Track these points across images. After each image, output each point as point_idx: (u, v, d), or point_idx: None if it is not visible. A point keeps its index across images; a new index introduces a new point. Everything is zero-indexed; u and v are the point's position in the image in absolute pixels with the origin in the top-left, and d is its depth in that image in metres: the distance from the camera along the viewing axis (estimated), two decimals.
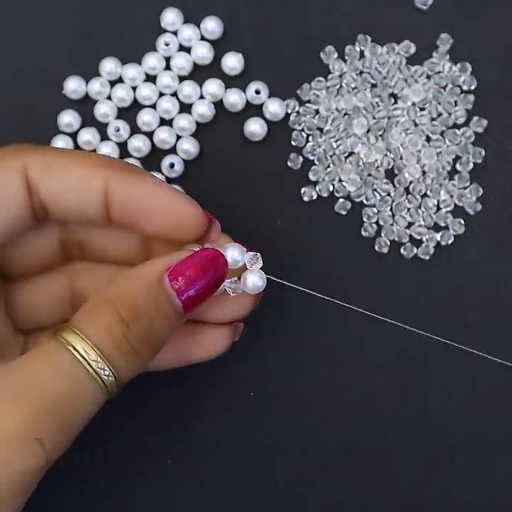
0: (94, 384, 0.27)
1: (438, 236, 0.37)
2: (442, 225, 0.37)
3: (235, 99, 0.37)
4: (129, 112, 0.37)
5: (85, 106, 0.37)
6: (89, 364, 0.27)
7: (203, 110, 0.37)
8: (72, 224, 0.32)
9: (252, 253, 0.31)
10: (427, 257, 0.37)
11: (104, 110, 0.37)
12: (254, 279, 0.31)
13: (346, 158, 0.37)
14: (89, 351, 0.27)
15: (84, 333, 0.27)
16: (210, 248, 0.30)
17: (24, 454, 0.26)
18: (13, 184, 0.30)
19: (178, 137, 0.37)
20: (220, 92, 0.37)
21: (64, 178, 0.30)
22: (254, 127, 0.37)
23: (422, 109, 0.37)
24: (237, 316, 0.32)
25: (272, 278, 0.32)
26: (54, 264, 0.33)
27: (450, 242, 0.37)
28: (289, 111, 0.37)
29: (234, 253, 0.30)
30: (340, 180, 0.37)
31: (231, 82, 0.37)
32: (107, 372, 0.27)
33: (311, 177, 0.37)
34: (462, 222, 0.37)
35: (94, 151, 0.37)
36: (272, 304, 0.36)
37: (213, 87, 0.37)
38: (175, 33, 0.37)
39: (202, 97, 0.37)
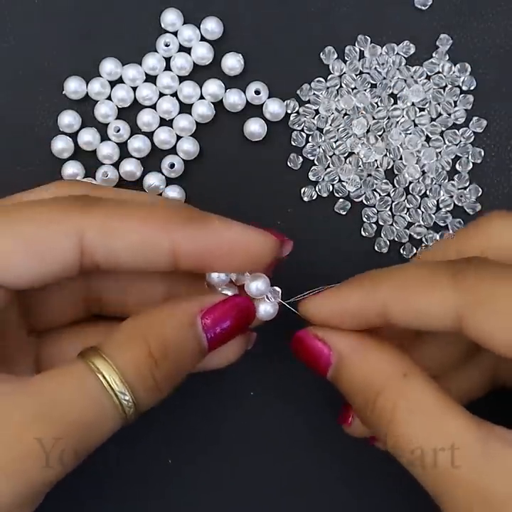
0: (116, 412, 0.27)
1: (438, 236, 0.37)
2: (442, 225, 0.37)
3: (235, 99, 0.37)
4: (129, 113, 0.37)
5: (85, 106, 0.37)
6: (116, 394, 0.27)
7: (203, 110, 0.37)
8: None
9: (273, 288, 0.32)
10: None
11: (104, 110, 0.37)
12: (266, 308, 0.32)
13: (346, 158, 0.37)
14: (117, 382, 0.27)
15: (114, 363, 0.27)
16: (243, 297, 0.31)
17: (38, 469, 0.26)
18: (66, 249, 0.29)
19: (178, 137, 0.37)
20: (220, 92, 0.37)
21: (125, 243, 0.29)
22: (254, 127, 0.37)
23: (421, 110, 0.37)
24: (229, 361, 0.33)
25: (285, 304, 0.32)
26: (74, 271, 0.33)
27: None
28: (289, 111, 0.37)
29: (258, 284, 0.31)
30: (340, 180, 0.37)
31: (231, 82, 0.37)
32: (129, 404, 0.28)
33: (311, 177, 0.37)
34: (462, 222, 0.37)
35: (94, 150, 0.37)
36: None
37: (213, 87, 0.37)
38: (175, 33, 0.37)
39: (202, 97, 0.37)
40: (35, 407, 0.26)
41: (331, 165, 0.37)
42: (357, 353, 0.30)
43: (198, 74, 0.37)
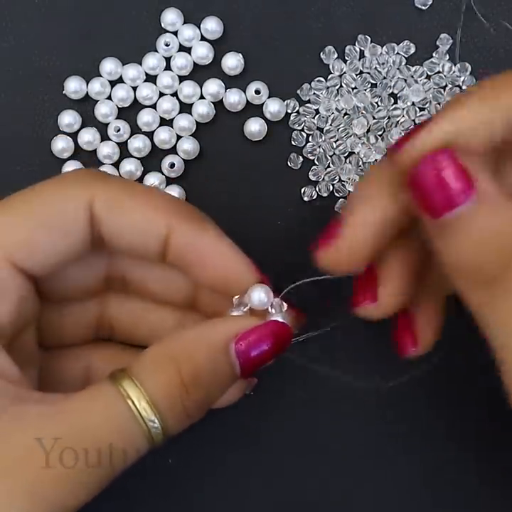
0: (144, 438, 0.27)
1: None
2: None
3: (235, 99, 0.37)
4: (129, 112, 0.37)
5: (85, 106, 0.37)
6: (145, 421, 0.27)
7: (203, 110, 0.37)
8: (120, 257, 0.32)
9: (277, 300, 0.31)
10: None
11: (104, 110, 0.37)
12: (260, 295, 0.31)
13: (346, 158, 0.37)
14: (147, 409, 0.27)
15: (145, 388, 0.27)
16: (281, 322, 0.30)
17: (65, 494, 0.26)
18: (79, 216, 0.29)
19: (178, 137, 0.37)
20: (220, 91, 0.37)
21: (128, 217, 0.30)
22: (254, 127, 0.37)
23: (421, 109, 0.37)
24: (226, 404, 0.33)
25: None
26: (94, 292, 0.33)
27: None
28: (289, 111, 0.37)
29: (260, 294, 0.30)
30: (340, 180, 0.37)
31: (231, 82, 0.37)
32: (158, 431, 0.27)
33: (311, 177, 0.37)
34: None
35: (94, 150, 0.37)
36: None
37: (213, 87, 0.37)
38: (175, 33, 0.37)
39: (202, 96, 0.37)
40: (65, 432, 0.26)
41: (331, 165, 0.37)
42: (502, 200, 0.25)
43: (198, 74, 0.37)
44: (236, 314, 0.30)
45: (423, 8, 0.37)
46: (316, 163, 0.37)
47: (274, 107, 0.37)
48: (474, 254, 0.25)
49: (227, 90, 0.37)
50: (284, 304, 0.31)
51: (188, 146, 0.37)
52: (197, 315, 0.34)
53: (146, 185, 0.33)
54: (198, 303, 0.33)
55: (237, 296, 0.31)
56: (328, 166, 0.37)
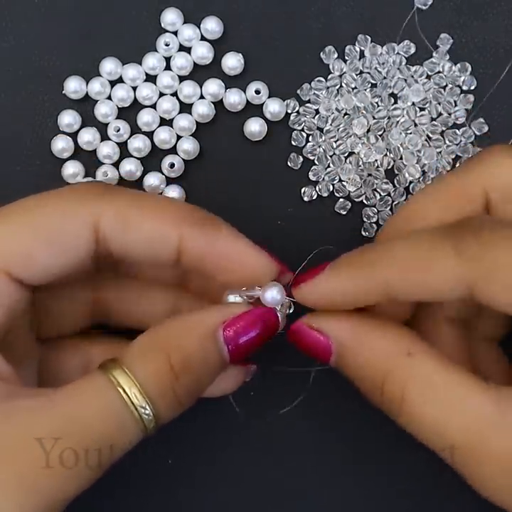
0: (137, 426, 0.27)
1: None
2: None
3: (235, 99, 0.37)
4: (129, 112, 0.37)
5: (85, 106, 0.37)
6: (136, 408, 0.27)
7: (203, 110, 0.37)
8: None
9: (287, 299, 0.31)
10: None
11: (104, 110, 0.37)
12: (273, 293, 0.30)
13: (346, 158, 0.37)
14: (138, 396, 0.27)
15: (135, 376, 0.27)
16: (267, 308, 0.30)
17: (60, 483, 0.26)
18: (82, 234, 0.29)
19: (178, 137, 0.37)
20: (220, 91, 0.37)
21: (138, 234, 0.30)
22: (254, 127, 0.37)
23: (421, 109, 0.37)
24: (225, 392, 0.33)
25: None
26: (86, 275, 0.33)
27: None
28: (289, 111, 0.37)
29: (273, 292, 0.30)
30: (340, 180, 0.37)
31: (231, 82, 0.37)
32: (150, 418, 0.27)
33: (311, 177, 0.37)
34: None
35: (94, 150, 0.37)
36: None
37: (213, 87, 0.37)
38: (175, 33, 0.37)
39: (202, 97, 0.37)
40: (57, 424, 0.26)
41: (331, 165, 0.37)
42: (356, 339, 0.29)
43: (198, 73, 0.37)
44: (232, 301, 0.31)
45: (423, 7, 0.37)
46: (316, 163, 0.37)
47: (274, 107, 0.37)
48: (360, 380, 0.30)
49: (227, 90, 0.37)
50: (291, 303, 0.31)
51: (188, 146, 0.37)
52: (190, 297, 0.34)
53: (154, 195, 0.33)
54: (189, 283, 0.33)
55: (228, 291, 0.31)
56: (328, 166, 0.37)
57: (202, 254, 0.30)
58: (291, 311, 0.31)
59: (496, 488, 0.27)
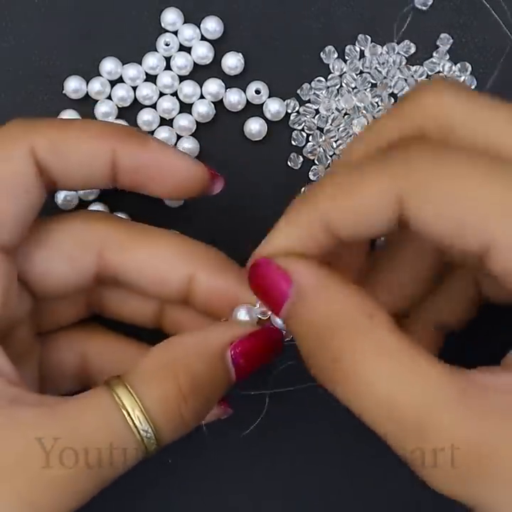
0: (139, 448, 0.27)
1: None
2: None
3: (235, 98, 0.37)
4: (129, 112, 0.37)
5: (85, 106, 0.37)
6: (139, 432, 0.27)
7: (203, 110, 0.37)
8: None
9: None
10: None
11: (104, 110, 0.37)
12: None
13: None
14: (141, 419, 0.27)
15: (141, 399, 0.27)
16: (273, 329, 0.30)
17: (57, 500, 0.26)
18: (26, 170, 0.30)
19: (178, 137, 0.37)
20: (221, 91, 0.37)
21: (72, 156, 0.30)
22: (254, 127, 0.37)
23: None
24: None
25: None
26: (85, 289, 0.33)
27: None
28: (289, 111, 0.37)
29: (242, 314, 0.30)
30: None
31: (231, 82, 0.37)
32: (152, 441, 0.27)
33: (311, 177, 0.37)
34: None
35: None
36: None
37: (213, 86, 0.37)
38: (175, 33, 0.37)
39: (202, 96, 0.37)
40: (59, 435, 0.26)
41: (331, 165, 0.37)
42: (319, 288, 0.26)
43: (198, 73, 0.37)
44: (243, 317, 0.30)
45: (423, 8, 0.37)
46: (316, 163, 0.37)
47: (274, 107, 0.37)
48: (308, 341, 0.27)
49: (227, 90, 0.37)
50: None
51: (188, 146, 0.37)
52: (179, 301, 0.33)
53: (83, 119, 0.34)
54: (193, 300, 0.32)
55: (239, 307, 0.31)
56: (328, 166, 0.37)
57: (134, 167, 0.31)
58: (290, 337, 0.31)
59: (443, 474, 0.24)
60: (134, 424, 0.27)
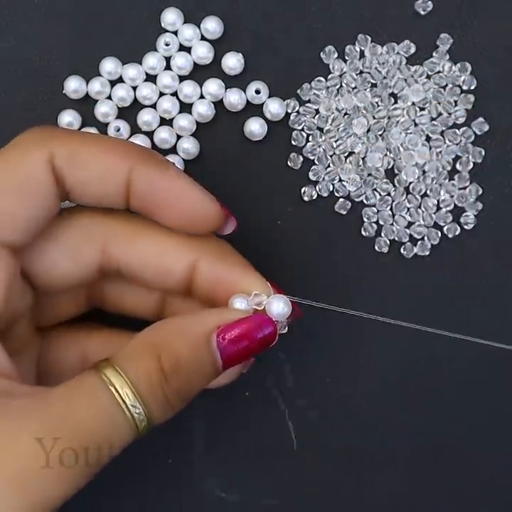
0: (128, 425, 0.27)
1: (439, 233, 0.37)
2: (442, 224, 0.37)
3: (235, 98, 0.37)
4: (129, 112, 0.37)
5: (85, 106, 0.37)
6: (128, 408, 0.27)
7: (203, 110, 0.37)
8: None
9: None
10: (427, 253, 0.37)
11: (104, 110, 0.37)
12: (280, 306, 0.30)
13: (346, 158, 0.37)
14: (130, 395, 0.27)
15: (127, 375, 0.27)
16: (265, 317, 0.30)
17: (51, 483, 0.26)
18: (42, 176, 0.30)
19: (178, 137, 0.37)
20: (220, 91, 0.37)
21: (89, 168, 0.30)
22: (254, 127, 0.37)
23: (421, 109, 0.37)
24: (220, 385, 0.33)
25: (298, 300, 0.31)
26: (88, 282, 0.33)
27: (454, 235, 0.37)
28: (289, 110, 0.37)
29: (279, 306, 0.30)
30: (340, 180, 0.37)
31: (231, 81, 0.37)
32: (142, 417, 0.27)
33: (311, 177, 0.37)
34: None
35: None
36: None
37: (213, 86, 0.37)
38: (175, 33, 0.37)
39: (202, 96, 0.37)
40: (48, 425, 0.26)
41: (331, 165, 0.37)
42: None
43: (198, 73, 0.37)
44: (238, 307, 0.30)
45: (422, 12, 0.37)
46: (316, 163, 0.37)
47: (274, 107, 0.37)
48: None
49: (227, 90, 0.37)
50: (282, 297, 0.30)
51: (188, 146, 0.37)
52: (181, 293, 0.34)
53: (103, 135, 0.33)
54: (195, 290, 0.32)
55: (235, 296, 0.30)
56: (328, 166, 0.37)
57: (149, 189, 0.30)
58: (284, 331, 0.31)
59: None
60: (123, 400, 0.27)
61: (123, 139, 0.33)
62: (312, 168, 0.37)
